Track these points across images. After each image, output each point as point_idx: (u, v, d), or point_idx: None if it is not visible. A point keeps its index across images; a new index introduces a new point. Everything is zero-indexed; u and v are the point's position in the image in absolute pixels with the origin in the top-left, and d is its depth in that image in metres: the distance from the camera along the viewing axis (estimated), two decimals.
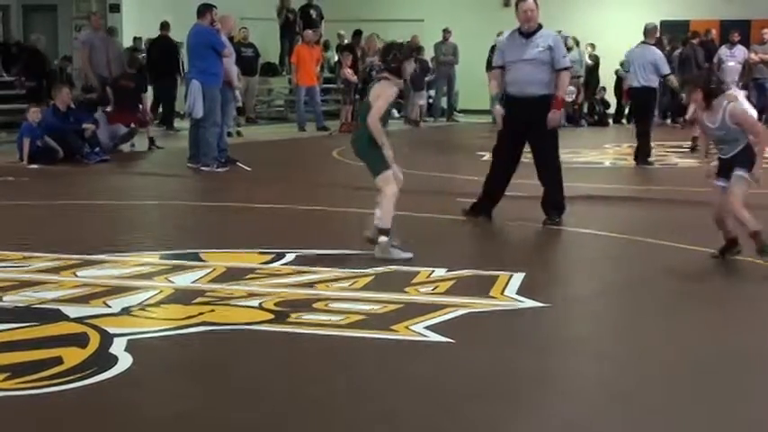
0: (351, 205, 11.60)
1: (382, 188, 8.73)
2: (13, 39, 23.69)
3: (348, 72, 23.71)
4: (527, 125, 10.40)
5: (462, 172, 14.99)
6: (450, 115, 27.44)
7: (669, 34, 26.08)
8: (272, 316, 6.83)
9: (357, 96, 23.78)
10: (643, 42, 16.60)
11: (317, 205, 11.63)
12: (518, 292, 7.47)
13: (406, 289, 7.57)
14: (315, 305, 7.08)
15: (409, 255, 8.58)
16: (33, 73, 20.79)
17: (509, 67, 10.56)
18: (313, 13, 27.03)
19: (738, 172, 8.14)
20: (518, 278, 7.85)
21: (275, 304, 7.10)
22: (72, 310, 6.90)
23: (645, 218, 11.52)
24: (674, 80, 16.71)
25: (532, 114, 10.32)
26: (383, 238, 8.64)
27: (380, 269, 8.21)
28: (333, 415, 5.10)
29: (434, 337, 6.36)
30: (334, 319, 6.75)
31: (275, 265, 8.44)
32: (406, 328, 6.53)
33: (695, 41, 24.80)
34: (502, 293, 7.46)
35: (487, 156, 17.70)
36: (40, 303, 7.11)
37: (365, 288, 7.62)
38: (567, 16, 27.75)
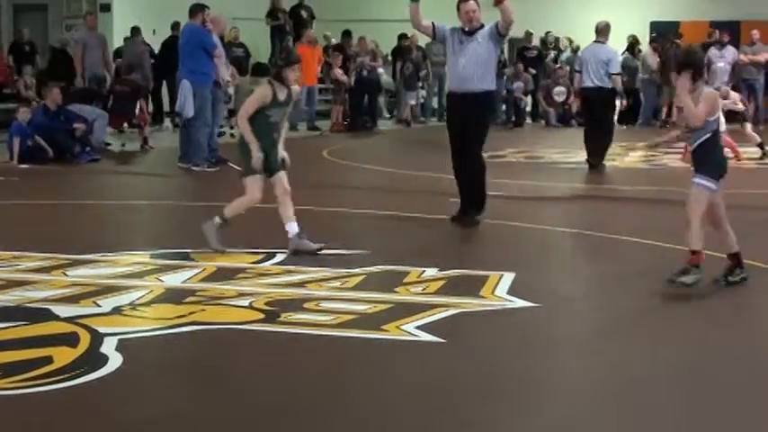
0: (341, 205, 11.60)
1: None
2: (25, 37, 23.48)
3: (338, 72, 23.73)
4: (462, 121, 10.45)
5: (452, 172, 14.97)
6: (442, 115, 27.43)
7: (658, 35, 26.15)
8: (262, 315, 6.82)
9: (347, 96, 23.81)
10: (596, 41, 15.80)
11: (308, 205, 11.60)
12: (509, 292, 7.46)
13: (397, 289, 7.56)
14: (305, 305, 7.07)
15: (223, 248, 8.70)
16: (63, 74, 20.68)
17: (453, 63, 10.62)
18: (304, 13, 27.02)
19: (695, 179, 7.68)
20: (508, 278, 7.85)
21: (265, 304, 7.09)
22: (62, 310, 6.88)
23: (634, 218, 11.53)
24: (618, 80, 15.72)
25: (469, 111, 10.36)
26: (217, 220, 8.81)
27: (371, 269, 8.20)
28: (323, 414, 5.09)
29: (425, 336, 6.36)
30: (325, 318, 6.74)
31: (265, 264, 8.44)
32: (397, 327, 6.52)
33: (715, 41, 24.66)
34: (492, 293, 7.45)
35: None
36: (29, 303, 7.09)
37: (356, 288, 7.61)
38: (556, 17, 27.85)
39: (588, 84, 15.40)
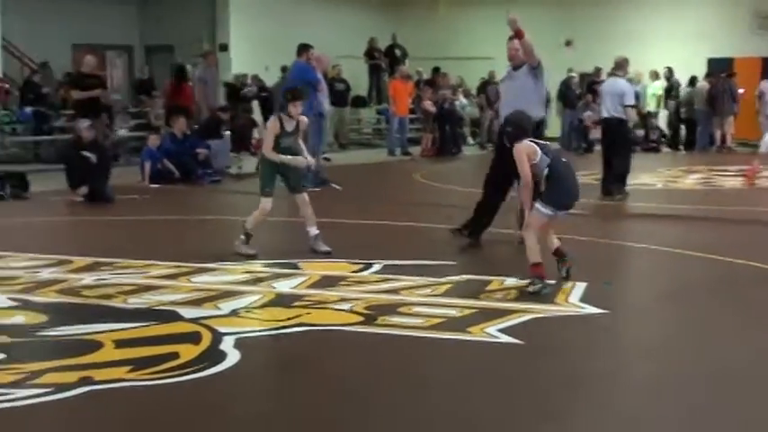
0: (432, 221, 11.58)
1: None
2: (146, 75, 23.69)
3: (428, 104, 23.74)
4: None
5: None
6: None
7: (714, 71, 25.77)
8: (361, 318, 6.82)
9: (436, 125, 23.80)
10: (613, 74, 15.13)
11: (402, 221, 11.62)
12: (581, 300, 7.39)
13: (481, 295, 7.53)
14: (400, 309, 7.06)
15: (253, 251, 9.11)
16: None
17: (503, 96, 10.54)
18: (398, 52, 27.12)
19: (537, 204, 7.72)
20: (581, 287, 7.77)
21: (365, 308, 7.09)
22: (187, 312, 6.96)
23: (697, 234, 11.34)
24: (630, 112, 14.66)
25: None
26: (241, 237, 9.23)
27: (458, 278, 8.17)
28: (416, 407, 5.08)
29: (506, 338, 6.32)
30: (417, 321, 6.73)
31: (364, 273, 8.44)
32: (481, 330, 6.49)
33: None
34: (566, 300, 7.39)
35: None
36: (158, 305, 7.18)
37: (444, 294, 7.59)
38: (618, 53, 27.54)
39: (605, 115, 14.72)
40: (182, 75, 20.07)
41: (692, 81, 26.13)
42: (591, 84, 26.73)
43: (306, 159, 9.34)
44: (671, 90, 26.23)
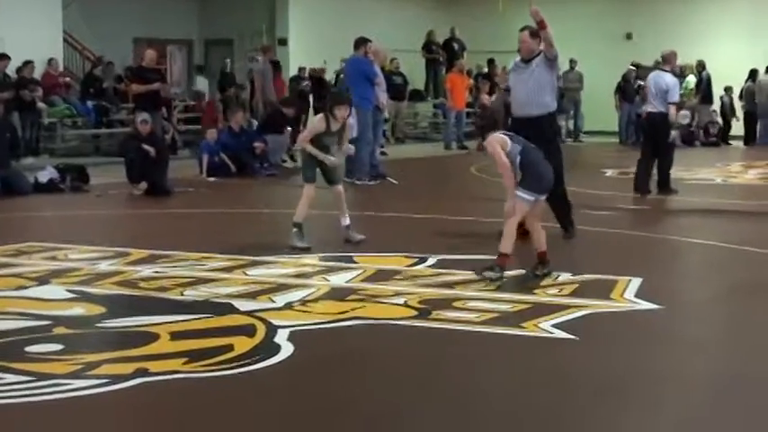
0: (487, 215, 11.54)
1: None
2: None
3: (485, 98, 23.66)
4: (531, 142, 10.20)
5: (588, 186, 14.80)
6: (577, 136, 27.15)
7: None
8: (415, 312, 6.82)
9: None
10: (659, 68, 14.59)
11: (457, 215, 11.60)
12: (636, 296, 7.33)
13: (535, 291, 7.49)
14: (454, 304, 7.05)
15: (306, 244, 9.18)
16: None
17: (513, 89, 10.34)
18: (456, 45, 27.05)
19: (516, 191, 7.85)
20: (636, 283, 7.70)
21: (419, 302, 7.09)
22: (242, 304, 7.00)
23: (754, 230, 11.20)
24: (673, 110, 13.89)
25: (530, 133, 9.71)
26: (293, 230, 9.27)
27: (512, 273, 8.13)
28: (468, 404, 5.07)
29: (560, 334, 6.28)
30: (471, 316, 6.71)
31: (419, 267, 8.44)
32: (535, 325, 6.47)
33: None
34: (621, 296, 7.33)
35: (610, 172, 17.53)
36: (214, 298, 7.24)
37: (499, 289, 7.56)
38: (685, 50, 27.23)
39: (649, 109, 14.14)
40: (275, 67, 20.16)
41: (753, 75, 25.80)
42: None
43: (333, 159, 9.50)
44: (700, 84, 25.86)
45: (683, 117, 24.54)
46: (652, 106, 14.05)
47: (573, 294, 7.37)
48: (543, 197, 8.09)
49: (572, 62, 26.48)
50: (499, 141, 7.94)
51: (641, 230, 10.48)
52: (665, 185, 14.12)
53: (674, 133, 13.46)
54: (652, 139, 14.19)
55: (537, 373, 5.60)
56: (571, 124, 27.28)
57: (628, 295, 7.35)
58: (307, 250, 9.08)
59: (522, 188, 7.84)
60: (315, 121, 9.47)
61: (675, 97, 13.96)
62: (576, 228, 10.18)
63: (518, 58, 10.32)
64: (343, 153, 9.67)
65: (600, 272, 8.15)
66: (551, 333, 6.30)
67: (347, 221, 9.57)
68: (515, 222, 7.87)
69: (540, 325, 6.47)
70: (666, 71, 14.26)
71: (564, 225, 10.17)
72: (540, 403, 5.07)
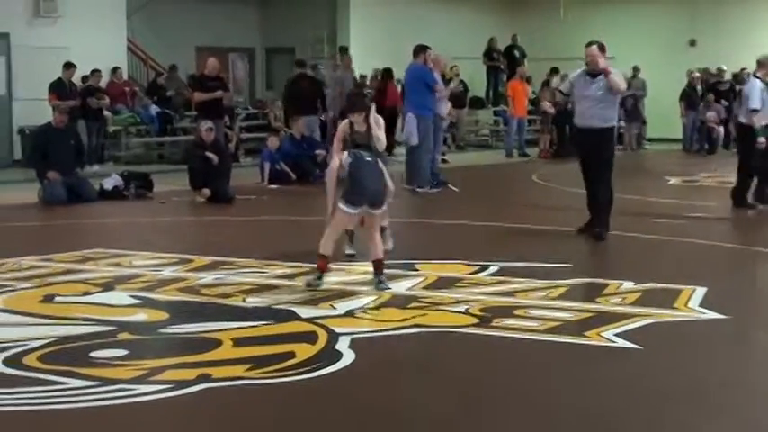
0: (547, 223, 11.50)
1: None
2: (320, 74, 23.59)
3: (546, 105, 23.50)
4: (588, 153, 10.52)
5: (651, 194, 14.68)
6: (640, 143, 26.88)
7: None
8: (477, 320, 6.80)
9: (553, 126, 23.57)
10: (753, 75, 13.38)
11: (519, 223, 11.55)
12: (700, 305, 7.24)
13: (598, 299, 7.44)
14: (515, 312, 7.02)
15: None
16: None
17: (576, 101, 10.66)
18: (516, 52, 26.96)
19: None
20: (701, 292, 7.61)
21: (480, 310, 7.07)
22: (304, 311, 7.03)
23: None
24: (752, 117, 12.78)
25: (592, 144, 10.41)
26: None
27: (574, 281, 8.09)
28: (530, 411, 5.05)
29: (623, 343, 6.23)
30: (533, 324, 6.68)
31: (480, 275, 8.42)
32: (598, 334, 6.42)
33: None
34: (685, 305, 7.25)
35: (674, 180, 17.35)
36: (277, 304, 7.27)
37: (560, 297, 7.51)
38: (743, 53, 26.96)
39: (740, 119, 13.34)
40: (388, 75, 20.19)
41: None
42: (713, 84, 26.24)
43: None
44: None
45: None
46: (741, 116, 13.30)
47: (636, 303, 7.30)
48: (373, 210, 7.92)
49: (635, 69, 26.27)
50: (344, 129, 8.10)
51: (705, 239, 10.36)
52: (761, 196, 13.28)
53: (761, 140, 12.81)
54: (742, 148, 13.48)
55: (601, 381, 5.55)
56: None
57: (692, 304, 7.27)
58: (352, 257, 9.06)
59: (342, 199, 7.85)
60: (340, 127, 9.35)
61: (755, 104, 12.94)
62: (608, 232, 10.32)
63: (582, 70, 10.45)
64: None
65: (664, 281, 8.07)
66: (614, 342, 6.25)
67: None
68: (332, 231, 7.92)
69: (603, 334, 6.42)
70: (759, 78, 13.15)
71: (598, 226, 10.33)
72: (607, 410, 5.03)
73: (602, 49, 10.36)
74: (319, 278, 7.83)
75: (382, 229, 9.28)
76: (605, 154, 10.45)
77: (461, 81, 23.86)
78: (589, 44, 10.47)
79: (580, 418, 4.96)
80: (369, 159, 7.98)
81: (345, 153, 8.07)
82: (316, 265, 7.87)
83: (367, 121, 8.83)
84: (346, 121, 9.21)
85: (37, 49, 19.04)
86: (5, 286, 7.94)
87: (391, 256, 9.25)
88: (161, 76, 22.63)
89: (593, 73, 10.35)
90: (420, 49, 15.60)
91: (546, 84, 25.20)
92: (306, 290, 7.71)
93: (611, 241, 10.30)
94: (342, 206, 7.84)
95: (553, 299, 7.47)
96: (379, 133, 8.89)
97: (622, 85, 10.35)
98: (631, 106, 25.37)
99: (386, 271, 8.48)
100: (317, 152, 17.10)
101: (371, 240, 7.99)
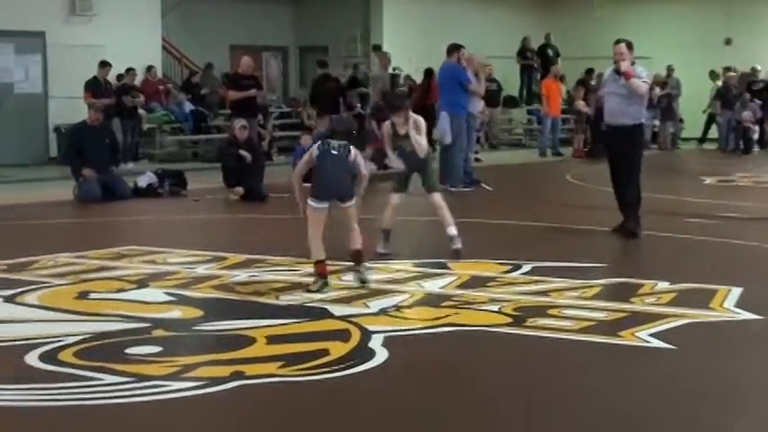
0: (581, 222, 11.45)
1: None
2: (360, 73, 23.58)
3: (581, 104, 23.45)
4: (616, 152, 10.53)
5: (687, 194, 14.60)
6: (674, 143, 26.73)
7: None
8: (510, 320, 6.78)
9: (588, 125, 23.48)
10: None
11: (552, 222, 11.51)
12: (736, 305, 7.19)
13: (632, 299, 7.40)
14: (549, 311, 6.99)
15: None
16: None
17: (606, 99, 10.71)
18: (550, 51, 26.88)
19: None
20: (736, 292, 7.55)
21: (513, 309, 7.05)
22: (337, 309, 7.04)
23: None
24: None
25: (620, 142, 10.43)
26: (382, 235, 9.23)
27: (609, 281, 8.05)
28: (562, 412, 5.03)
29: (658, 343, 6.19)
30: (567, 324, 6.65)
31: (513, 274, 8.39)
32: (632, 334, 6.38)
33: None
34: (721, 306, 7.20)
35: (709, 180, 17.24)
36: (310, 302, 7.28)
37: (594, 297, 7.48)
38: None
39: None
40: (430, 74, 20.27)
41: None
42: (749, 83, 26.07)
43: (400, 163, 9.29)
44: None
45: None
46: None
47: (671, 303, 7.25)
48: (341, 204, 7.89)
49: (669, 68, 26.13)
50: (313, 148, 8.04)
51: (741, 239, 10.28)
52: None
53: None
54: None
55: (635, 382, 5.52)
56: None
57: (728, 305, 7.22)
58: (385, 256, 9.05)
59: (310, 195, 7.83)
60: (385, 130, 9.34)
61: None
62: (640, 229, 10.32)
63: (613, 69, 10.41)
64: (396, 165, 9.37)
65: (699, 281, 8.02)
66: (649, 342, 6.22)
67: (452, 231, 9.19)
68: (311, 230, 7.82)
69: (638, 334, 6.38)
70: None
71: (629, 223, 10.36)
72: (641, 411, 4.99)
73: (629, 47, 10.39)
74: (325, 284, 7.69)
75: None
76: (633, 152, 10.43)
77: (495, 80, 23.81)
78: (617, 42, 10.51)
79: (614, 419, 4.93)
80: (335, 152, 7.94)
81: (315, 145, 8.08)
82: (316, 273, 7.73)
83: (407, 123, 8.85)
84: (389, 122, 9.22)
85: (72, 47, 19.20)
86: (41, 283, 8.01)
87: (424, 254, 9.25)
88: (195, 75, 22.72)
89: (620, 70, 10.36)
90: (454, 48, 15.58)
91: (581, 83, 25.08)
92: (343, 287, 7.72)
93: (646, 241, 10.24)
94: (310, 202, 7.82)
95: (587, 298, 7.43)
96: (419, 138, 8.89)
97: (642, 89, 10.30)
98: (666, 105, 25.26)
99: (420, 269, 8.49)
100: None
101: (350, 231, 7.95)
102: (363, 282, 7.83)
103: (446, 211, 9.23)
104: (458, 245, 9.07)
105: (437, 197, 9.28)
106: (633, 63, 10.40)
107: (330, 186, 7.86)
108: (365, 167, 8.14)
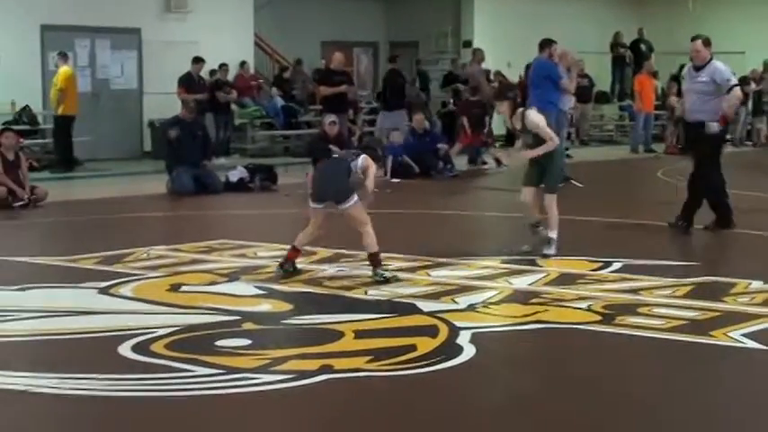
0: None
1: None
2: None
3: (673, 100, 23.05)
4: (693, 146, 10.61)
5: None
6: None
7: None
8: (599, 318, 6.72)
9: (680, 122, 23.10)
10: None
11: (644, 219, 11.37)
12: None
13: (725, 298, 7.27)
14: (639, 310, 6.91)
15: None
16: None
17: (684, 95, 10.76)
18: (643, 46, 26.52)
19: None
20: None
21: (602, 307, 6.98)
22: (425, 305, 7.04)
23: None
24: None
25: (696, 137, 10.40)
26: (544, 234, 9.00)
27: (700, 279, 7.93)
28: (653, 413, 4.96)
29: (751, 344, 6.08)
30: (657, 323, 6.56)
31: (603, 271, 8.30)
32: (725, 334, 6.27)
33: None
34: None
35: None
36: (398, 298, 7.29)
37: (686, 296, 7.37)
38: None
39: None
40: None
41: None
42: None
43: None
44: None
45: None
46: None
47: (765, 303, 7.11)
48: (338, 206, 7.96)
49: (766, 64, 25.58)
50: None
51: None
52: None
53: None
54: None
55: (727, 383, 5.44)
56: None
57: None
58: (527, 253, 8.94)
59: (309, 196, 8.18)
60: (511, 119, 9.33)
61: None
62: (691, 227, 10.35)
63: (691, 65, 10.50)
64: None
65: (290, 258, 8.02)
66: (742, 343, 6.10)
67: (549, 234, 9.01)
68: (309, 225, 8.14)
69: (730, 334, 6.27)
70: None
71: (684, 217, 10.40)
72: (734, 412, 4.92)
73: (706, 43, 10.35)
74: (283, 266, 8.04)
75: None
76: (709, 148, 10.29)
77: (587, 75, 23.58)
78: (694, 38, 10.45)
79: (705, 420, 4.86)
80: (336, 156, 8.18)
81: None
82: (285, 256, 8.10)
83: (513, 115, 8.96)
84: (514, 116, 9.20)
85: (167, 43, 19.50)
86: (135, 275, 8.15)
87: (511, 250, 9.18)
88: (286, 71, 22.90)
89: (699, 66, 10.33)
90: (546, 44, 15.42)
91: (674, 78, 24.71)
92: (427, 283, 7.72)
93: (739, 239, 10.07)
94: (309, 202, 8.12)
95: (678, 297, 7.33)
96: (544, 132, 8.96)
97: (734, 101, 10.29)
98: (757, 101, 24.72)
99: (508, 266, 8.45)
100: (439, 146, 17.11)
101: (361, 235, 7.99)
102: (386, 280, 7.79)
103: (554, 214, 9.04)
104: (549, 251, 8.88)
105: (549, 198, 9.09)
106: (711, 58, 10.29)
107: (322, 188, 8.07)
108: (371, 175, 8.14)
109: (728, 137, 24.94)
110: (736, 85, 10.35)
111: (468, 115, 18.87)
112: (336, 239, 9.95)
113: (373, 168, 8.13)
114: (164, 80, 18.82)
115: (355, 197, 7.98)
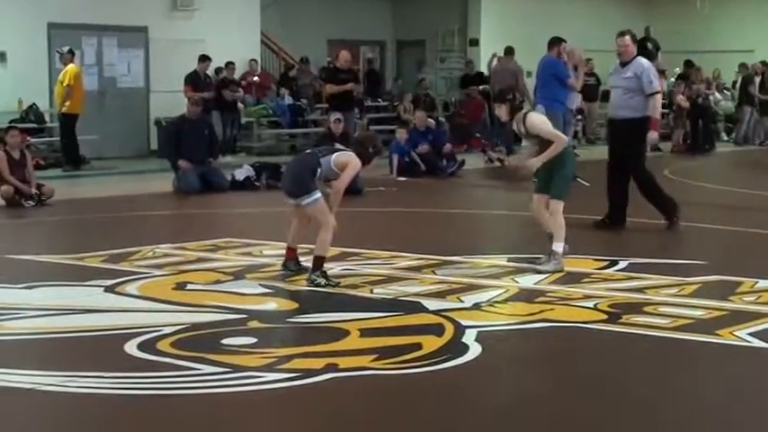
0: (681, 219, 11.25)
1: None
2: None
3: (680, 98, 23.06)
4: (619, 144, 10.57)
5: None
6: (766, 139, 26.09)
7: None
8: (605, 316, 6.71)
9: (687, 120, 23.08)
10: None
11: (649, 218, 11.34)
12: None
13: (731, 297, 7.26)
14: (645, 308, 6.90)
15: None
16: None
17: (611, 91, 10.89)
18: (650, 45, 26.45)
19: None
20: None
21: (609, 306, 6.97)
22: (431, 304, 7.04)
23: None
24: None
25: (621, 135, 10.49)
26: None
27: (707, 278, 7.91)
28: (657, 412, 4.95)
29: (758, 343, 6.07)
30: (663, 322, 6.56)
31: (609, 270, 8.30)
32: (731, 333, 6.26)
33: None
34: None
35: None
36: (403, 296, 7.29)
37: (692, 295, 7.36)
38: None
39: None
40: None
41: None
42: None
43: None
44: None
45: None
46: None
47: None
48: (295, 201, 7.92)
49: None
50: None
51: None
52: None
53: None
54: None
55: (733, 382, 5.42)
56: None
57: None
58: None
59: None
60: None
61: None
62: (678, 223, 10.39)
63: (618, 61, 10.63)
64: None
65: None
66: (748, 342, 6.09)
67: (554, 247, 8.28)
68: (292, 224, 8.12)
69: (736, 333, 6.26)
70: None
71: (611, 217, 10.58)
72: (740, 411, 4.91)
73: (634, 39, 10.58)
74: (285, 266, 8.08)
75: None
76: (633, 146, 10.43)
77: (594, 74, 23.55)
78: (621, 34, 10.62)
79: (711, 418, 4.85)
80: (308, 151, 8.15)
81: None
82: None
83: (516, 119, 8.53)
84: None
85: (174, 42, 19.52)
86: (141, 273, 8.16)
87: (519, 249, 9.17)
88: (292, 69, 22.90)
89: (624, 62, 10.45)
90: (555, 42, 15.40)
91: (681, 77, 24.68)
92: (433, 281, 7.72)
93: (745, 238, 10.05)
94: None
95: (685, 296, 7.32)
96: (551, 134, 8.52)
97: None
98: (765, 99, 24.66)
99: (514, 265, 8.44)
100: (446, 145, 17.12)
101: (317, 235, 7.78)
102: (318, 286, 7.54)
103: (558, 222, 8.34)
104: (546, 267, 8.12)
105: (554, 204, 8.42)
106: (637, 55, 10.47)
107: (282, 182, 8.13)
108: (345, 175, 7.88)
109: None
110: (657, 92, 10.40)
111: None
112: (343, 238, 9.97)
113: (353, 166, 7.82)
114: (170, 78, 18.83)
115: (316, 194, 7.81)
